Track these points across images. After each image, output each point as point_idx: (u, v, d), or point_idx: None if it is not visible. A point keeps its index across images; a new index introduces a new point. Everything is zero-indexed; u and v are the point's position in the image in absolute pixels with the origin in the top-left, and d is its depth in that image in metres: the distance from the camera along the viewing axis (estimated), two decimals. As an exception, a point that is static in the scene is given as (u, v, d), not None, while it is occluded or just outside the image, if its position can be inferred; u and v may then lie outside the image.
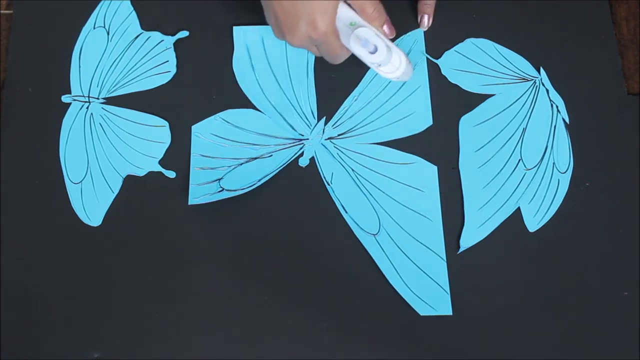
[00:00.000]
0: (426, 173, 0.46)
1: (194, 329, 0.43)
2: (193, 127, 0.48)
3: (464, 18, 0.50)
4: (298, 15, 0.39)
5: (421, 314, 0.43)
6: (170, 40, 0.51)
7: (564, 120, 0.47)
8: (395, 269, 0.44)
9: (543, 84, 0.48)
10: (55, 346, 0.43)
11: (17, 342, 0.44)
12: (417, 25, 0.50)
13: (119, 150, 0.48)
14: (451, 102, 0.48)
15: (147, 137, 0.48)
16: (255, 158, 0.47)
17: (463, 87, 0.48)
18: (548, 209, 0.45)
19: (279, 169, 0.46)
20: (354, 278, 0.44)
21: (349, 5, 0.42)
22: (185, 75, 0.50)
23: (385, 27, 0.44)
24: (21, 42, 0.51)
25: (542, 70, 0.49)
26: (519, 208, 0.45)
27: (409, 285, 0.44)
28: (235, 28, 0.51)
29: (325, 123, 0.48)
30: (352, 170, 0.47)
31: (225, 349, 0.43)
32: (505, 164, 0.46)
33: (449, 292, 0.43)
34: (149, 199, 0.47)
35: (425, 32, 0.50)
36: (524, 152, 0.47)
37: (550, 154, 0.47)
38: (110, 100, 0.49)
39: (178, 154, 0.48)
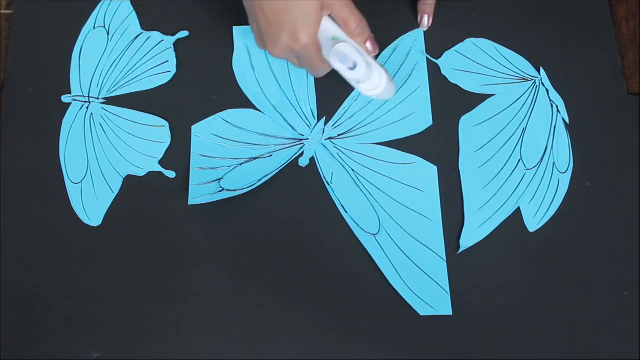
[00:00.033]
0: (426, 173, 0.46)
1: (194, 329, 0.43)
2: (193, 127, 0.48)
3: (464, 18, 0.50)
4: (280, 25, 0.39)
5: (421, 314, 0.43)
6: (170, 40, 0.51)
7: (564, 120, 0.47)
8: (395, 269, 0.44)
9: (543, 84, 0.48)
10: (55, 346, 0.44)
11: (17, 342, 0.44)
12: (417, 25, 0.50)
13: (119, 150, 0.48)
14: (451, 102, 0.48)
15: (147, 137, 0.48)
16: (255, 158, 0.47)
17: (463, 87, 0.48)
18: (548, 209, 0.45)
19: (279, 169, 0.46)
20: (354, 278, 0.44)
21: (334, 19, 0.41)
22: (185, 75, 0.50)
23: (368, 44, 0.43)
24: (21, 42, 0.51)
25: (542, 70, 0.49)
26: (519, 208, 0.45)
27: (409, 285, 0.44)
28: (235, 28, 0.51)
29: (325, 123, 0.48)
30: (352, 170, 0.47)
31: (225, 349, 0.43)
32: (505, 164, 0.46)
33: (449, 292, 0.43)
34: (149, 199, 0.47)
35: (425, 32, 0.50)
36: (524, 152, 0.47)
37: (550, 154, 0.47)
38: (110, 100, 0.49)
39: (178, 154, 0.48)
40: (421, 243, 0.45)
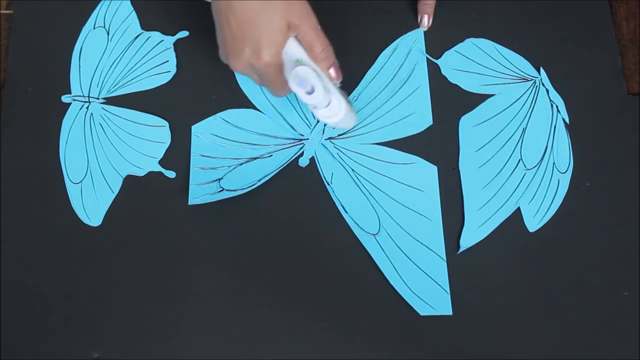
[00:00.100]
0: (426, 173, 0.46)
1: (194, 329, 0.43)
2: (193, 127, 0.48)
3: (464, 18, 0.50)
4: (244, 40, 0.38)
5: (421, 314, 0.43)
6: (170, 40, 0.51)
7: (564, 120, 0.47)
8: (395, 269, 0.44)
9: (543, 84, 0.48)
10: (55, 346, 0.43)
11: (17, 342, 0.44)
12: (417, 25, 0.50)
13: (119, 150, 0.48)
14: (451, 102, 0.48)
15: (147, 137, 0.48)
16: (255, 158, 0.47)
17: (463, 87, 0.48)
18: (548, 209, 0.45)
19: (279, 169, 0.46)
20: (354, 278, 0.44)
21: (300, 42, 0.40)
22: (185, 75, 0.50)
23: (331, 71, 0.41)
24: (21, 42, 0.51)
25: (542, 70, 0.49)
26: (519, 208, 0.45)
27: (409, 285, 0.44)
28: (235, 28, 0.51)
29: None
30: (352, 170, 0.47)
31: (225, 349, 0.43)
32: (505, 164, 0.46)
33: (449, 292, 0.43)
34: (149, 199, 0.47)
35: (425, 32, 0.50)
36: (524, 152, 0.47)
37: (550, 154, 0.47)
38: (110, 100, 0.49)
39: (178, 154, 0.48)
40: (421, 243, 0.45)
